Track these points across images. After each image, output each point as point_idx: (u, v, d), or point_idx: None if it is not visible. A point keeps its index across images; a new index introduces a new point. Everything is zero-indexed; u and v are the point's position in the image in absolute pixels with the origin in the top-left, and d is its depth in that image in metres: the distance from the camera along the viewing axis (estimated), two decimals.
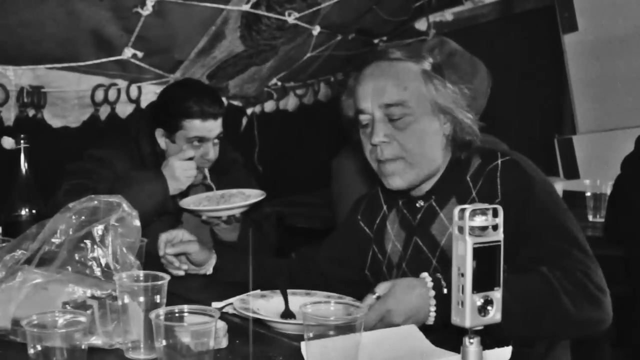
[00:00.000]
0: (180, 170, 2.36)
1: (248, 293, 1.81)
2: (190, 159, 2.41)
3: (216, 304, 1.75)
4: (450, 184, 1.73)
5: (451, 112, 1.69)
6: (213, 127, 2.44)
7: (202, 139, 2.44)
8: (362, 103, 1.71)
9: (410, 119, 1.68)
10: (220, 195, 2.45)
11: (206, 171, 2.50)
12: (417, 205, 1.77)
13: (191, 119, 2.41)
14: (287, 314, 1.76)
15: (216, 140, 2.49)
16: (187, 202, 2.44)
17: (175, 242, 2.04)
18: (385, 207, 1.90)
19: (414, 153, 1.69)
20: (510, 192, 1.62)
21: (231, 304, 1.77)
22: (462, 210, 1.03)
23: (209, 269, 2.06)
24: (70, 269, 1.53)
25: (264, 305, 1.78)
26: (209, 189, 2.49)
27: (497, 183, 1.65)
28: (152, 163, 2.48)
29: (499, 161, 1.68)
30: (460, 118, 1.69)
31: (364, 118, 1.72)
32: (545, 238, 1.57)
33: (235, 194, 2.45)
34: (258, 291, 1.84)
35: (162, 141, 2.49)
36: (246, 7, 3.04)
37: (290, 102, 4.11)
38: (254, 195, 2.44)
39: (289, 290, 1.84)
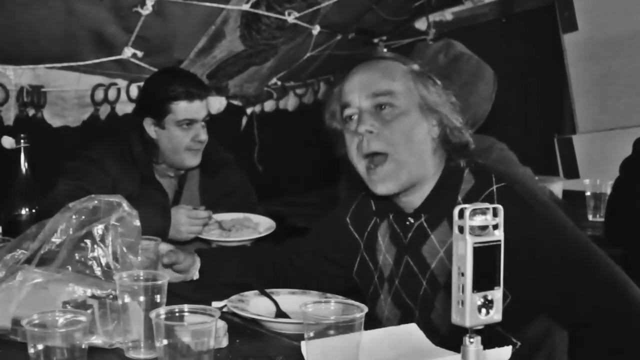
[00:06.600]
0: (186, 226, 2.38)
1: (242, 293, 1.81)
2: (201, 218, 2.41)
3: (216, 304, 1.75)
4: (441, 203, 1.64)
5: (440, 113, 1.62)
6: (199, 108, 2.49)
7: (190, 122, 2.48)
8: (348, 96, 1.65)
9: (397, 110, 1.61)
10: (230, 221, 2.46)
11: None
12: (407, 222, 1.70)
13: (178, 101, 2.45)
14: (280, 313, 1.75)
15: (204, 123, 2.52)
16: None
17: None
18: (376, 217, 1.81)
19: (400, 148, 1.60)
20: (511, 225, 1.53)
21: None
22: (462, 210, 1.03)
23: (195, 274, 1.95)
24: (70, 268, 1.53)
25: (255, 304, 1.77)
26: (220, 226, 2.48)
27: None
28: (144, 163, 2.51)
29: (494, 188, 1.59)
30: (450, 119, 1.63)
31: (349, 112, 1.65)
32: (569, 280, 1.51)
33: (242, 220, 2.46)
34: (254, 291, 1.84)
35: (151, 130, 2.51)
36: (246, 7, 3.04)
37: (290, 102, 4.11)
38: (263, 224, 2.48)
39: (284, 290, 1.84)
